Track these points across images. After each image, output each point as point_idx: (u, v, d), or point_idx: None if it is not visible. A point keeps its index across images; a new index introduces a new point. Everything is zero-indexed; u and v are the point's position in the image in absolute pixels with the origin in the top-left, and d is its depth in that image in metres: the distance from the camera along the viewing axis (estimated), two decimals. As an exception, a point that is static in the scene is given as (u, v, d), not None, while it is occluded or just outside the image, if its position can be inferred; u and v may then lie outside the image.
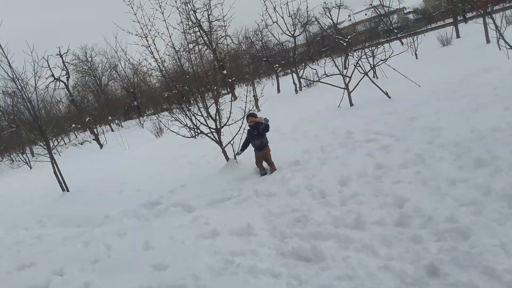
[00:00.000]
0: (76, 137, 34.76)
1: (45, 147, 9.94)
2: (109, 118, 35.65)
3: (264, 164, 7.16)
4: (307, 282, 3.21)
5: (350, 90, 11.62)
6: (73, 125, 31.35)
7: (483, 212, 3.61)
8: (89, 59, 42.98)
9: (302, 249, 3.77)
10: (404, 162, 5.45)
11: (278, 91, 25.17)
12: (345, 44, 24.52)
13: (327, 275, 3.25)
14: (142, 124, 28.09)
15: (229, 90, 27.09)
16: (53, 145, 10.59)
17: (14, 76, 9.57)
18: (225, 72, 26.91)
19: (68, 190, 9.90)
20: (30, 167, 21.44)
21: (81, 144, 27.85)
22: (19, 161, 23.32)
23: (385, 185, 4.89)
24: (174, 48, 8.49)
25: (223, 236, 4.65)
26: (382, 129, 7.64)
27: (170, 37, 8.41)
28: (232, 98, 18.79)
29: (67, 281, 4.38)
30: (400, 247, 3.45)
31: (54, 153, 10.19)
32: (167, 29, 8.39)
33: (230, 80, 26.35)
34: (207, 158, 9.85)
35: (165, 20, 8.38)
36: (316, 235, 4.04)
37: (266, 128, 6.89)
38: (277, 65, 28.02)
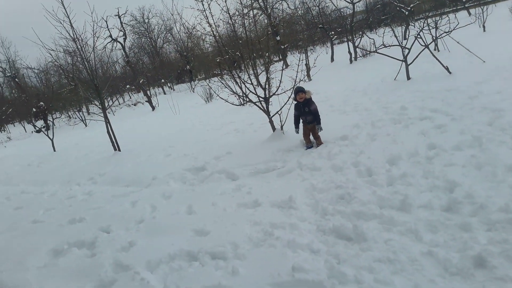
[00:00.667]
0: (130, 98, 36.04)
1: (100, 106, 10.35)
2: (162, 80, 36.48)
3: (311, 137, 7.02)
4: (346, 262, 3.15)
5: (409, 63, 11.01)
6: (127, 86, 32.41)
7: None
8: (146, 20, 43.79)
9: (344, 227, 3.69)
10: (459, 144, 5.12)
11: (332, 60, 24.45)
12: (407, 13, 23.16)
13: (367, 256, 3.17)
14: (193, 89, 28.51)
15: (280, 57, 26.70)
16: (108, 105, 10.99)
17: (75, 36, 9.92)
18: (278, 38, 26.43)
19: (119, 150, 10.32)
20: (86, 125, 22.60)
21: (134, 105, 28.83)
22: (75, 118, 24.63)
23: (436, 167, 4.64)
24: (229, 13, 8.38)
25: (264, 207, 4.66)
26: (438, 107, 7.21)
27: (225, 1, 8.30)
28: (284, 66, 18.50)
29: (113, 238, 4.60)
30: (446, 234, 3.28)
31: (108, 113, 10.60)
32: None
33: (283, 47, 25.90)
34: (254, 126, 9.84)
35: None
36: (359, 215, 3.93)
37: (317, 115, 6.72)
38: (332, 33, 27.08)
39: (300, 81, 7.86)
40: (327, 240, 3.62)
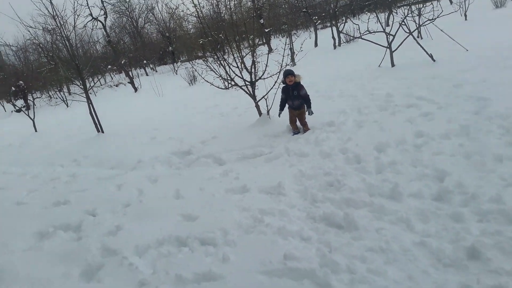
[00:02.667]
0: (112, 78, 35.23)
1: (82, 86, 10.06)
2: (144, 62, 35.75)
3: (298, 123, 6.99)
4: (337, 250, 3.14)
5: (393, 50, 11.03)
6: (109, 66, 31.65)
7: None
8: (127, -1, 42.57)
9: (334, 215, 3.68)
10: (447, 132, 5.16)
11: (316, 45, 24.34)
12: (390, -1, 23.13)
13: (359, 245, 3.16)
14: (176, 71, 28.05)
15: (264, 41, 26.44)
16: (89, 85, 10.70)
17: (54, 13, 9.55)
18: (262, 21, 26.14)
19: (103, 132, 10.09)
20: (67, 105, 22.05)
21: (116, 86, 28.23)
22: (56, 98, 23.98)
23: (424, 155, 4.67)
24: (213, -6, 8.19)
25: (252, 193, 4.62)
26: (424, 94, 7.25)
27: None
28: (268, 50, 18.33)
29: (99, 222, 4.49)
30: (438, 224, 3.29)
31: (90, 94, 10.31)
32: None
33: (266, 31, 25.63)
34: (239, 111, 9.75)
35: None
36: (349, 202, 3.93)
37: (307, 99, 6.67)
38: (316, 17, 26.89)
39: (286, 65, 7.77)
40: (318, 228, 3.61)
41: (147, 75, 33.14)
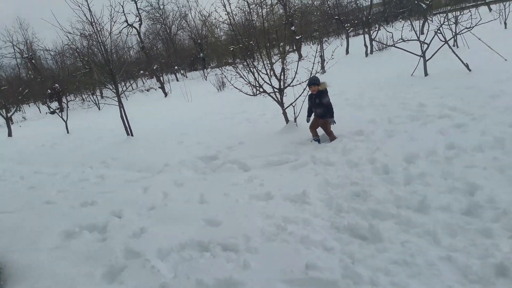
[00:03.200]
0: (144, 83, 36.07)
1: (114, 90, 10.34)
2: (175, 67, 36.42)
3: (320, 131, 6.89)
4: (360, 262, 3.06)
5: (427, 59, 10.77)
6: (141, 72, 32.42)
7: None
8: (161, 6, 43.60)
9: (359, 226, 3.60)
10: (480, 145, 4.96)
11: (347, 52, 24.12)
12: (425, 7, 22.67)
13: (383, 257, 3.08)
14: (206, 77, 28.41)
15: (295, 48, 26.42)
16: (122, 89, 10.98)
17: (92, 19, 9.89)
18: (293, 28, 26.14)
19: (132, 135, 10.33)
20: (99, 109, 22.70)
21: (147, 90, 28.86)
22: (89, 101, 24.74)
23: (456, 168, 4.50)
24: (247, 1, 8.28)
25: (276, 200, 4.59)
26: (458, 105, 7.02)
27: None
28: (298, 57, 18.27)
29: (124, 224, 4.56)
30: (466, 238, 3.16)
31: (122, 97, 10.59)
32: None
33: (297, 38, 25.62)
34: (266, 117, 9.75)
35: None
36: (375, 213, 3.84)
37: (329, 108, 6.58)
38: (348, 25, 26.67)
39: (316, 72, 7.72)
40: (342, 238, 3.53)
41: (177, 80, 33.73)
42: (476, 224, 3.32)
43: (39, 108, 30.14)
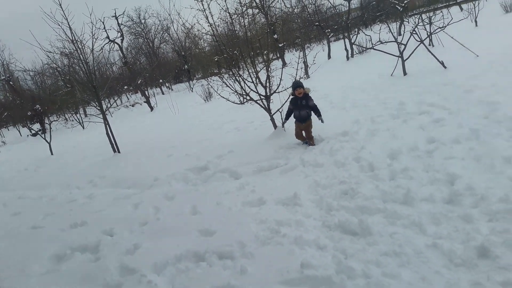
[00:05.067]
0: (128, 99, 35.95)
1: (99, 108, 10.32)
2: (160, 81, 36.44)
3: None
4: (353, 257, 3.21)
5: (405, 59, 11.06)
6: (125, 87, 32.36)
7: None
8: (142, 21, 43.75)
9: (349, 222, 3.74)
10: (458, 137, 5.19)
11: (329, 57, 24.48)
12: (401, 9, 23.19)
13: (373, 250, 3.25)
14: (192, 88, 28.50)
15: (278, 56, 26.68)
16: (106, 106, 10.96)
17: (73, 37, 9.89)
18: (275, 36, 26.40)
19: (119, 152, 10.31)
20: (83, 127, 22.54)
21: (133, 106, 28.77)
22: (72, 121, 24.51)
23: (436, 161, 4.72)
24: (229, 12, 8.43)
25: (269, 205, 4.70)
26: (435, 101, 7.28)
27: (225, 0, 8.36)
28: (282, 64, 18.49)
29: (117, 241, 4.55)
30: (449, 226, 3.36)
31: (106, 114, 10.58)
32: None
33: (280, 45, 25.91)
34: (255, 125, 9.88)
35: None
36: (363, 209, 4.00)
37: (316, 109, 6.75)
38: (328, 30, 27.09)
39: (300, 78, 7.89)
40: (333, 236, 3.67)
41: (163, 93, 33.73)
42: (457, 212, 3.54)
43: (19, 131, 29.61)
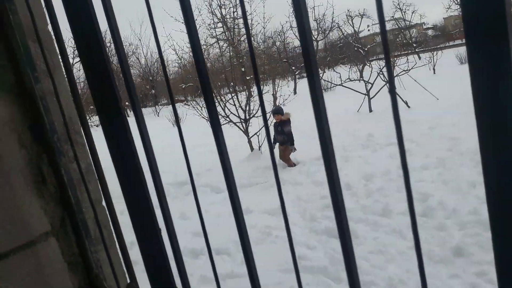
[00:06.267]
0: (90, 119, 35.19)
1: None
2: (127, 103, 36.09)
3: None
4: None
5: (371, 97, 11.98)
6: (91, 107, 31.79)
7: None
8: (108, 44, 43.53)
9: (335, 228, 4.08)
10: (426, 164, 5.80)
11: (295, 92, 25.54)
12: (363, 53, 24.89)
13: (361, 249, 3.64)
14: (158, 113, 28.56)
15: (245, 87, 27.47)
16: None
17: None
18: (243, 69, 27.26)
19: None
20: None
21: (97, 126, 28.30)
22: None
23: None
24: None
25: (256, 214, 5.03)
26: (402, 135, 7.97)
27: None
28: (247, 95, 19.10)
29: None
30: (426, 233, 3.82)
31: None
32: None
33: (247, 78, 26.75)
34: (230, 147, 10.10)
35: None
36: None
37: (290, 136, 7.27)
38: (293, 68, 28.41)
39: (279, 104, 8.44)
40: (321, 239, 4.06)
41: (128, 116, 33.35)
42: (432, 222, 4.01)
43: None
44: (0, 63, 0.95)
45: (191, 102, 8.98)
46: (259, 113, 8.64)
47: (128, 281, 1.15)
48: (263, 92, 8.88)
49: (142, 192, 1.07)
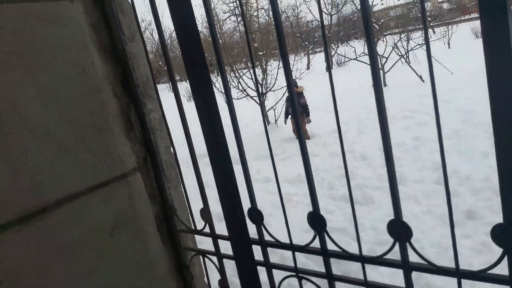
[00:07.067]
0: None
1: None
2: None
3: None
4: (361, 217, 3.81)
5: (386, 71, 12.00)
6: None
7: (515, 177, 4.16)
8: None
9: (352, 195, 4.36)
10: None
11: (308, 68, 25.48)
12: (377, 27, 24.57)
13: (377, 213, 3.88)
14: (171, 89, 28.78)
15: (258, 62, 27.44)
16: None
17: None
18: (256, 45, 27.14)
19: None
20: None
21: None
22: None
23: (423, 153, 5.43)
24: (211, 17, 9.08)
25: (269, 186, 5.27)
26: (417, 108, 8.10)
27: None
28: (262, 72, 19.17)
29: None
30: (439, 199, 4.03)
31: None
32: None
33: (260, 54, 26.68)
34: (244, 122, 10.41)
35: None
36: (363, 187, 4.64)
37: (306, 108, 7.43)
38: (306, 43, 28.21)
39: (296, 78, 8.57)
40: (339, 205, 4.29)
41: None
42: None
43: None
44: (99, 28, 1.16)
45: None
46: (275, 87, 8.79)
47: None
48: (275, 67, 9.02)
49: (220, 132, 1.28)
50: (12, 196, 0.94)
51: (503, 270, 0.84)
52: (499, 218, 2.62)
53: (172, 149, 1.50)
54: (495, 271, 0.85)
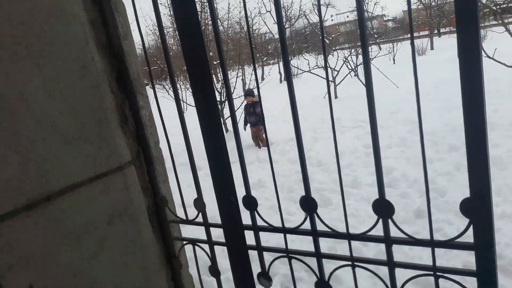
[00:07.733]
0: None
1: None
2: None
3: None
4: (321, 216, 3.99)
5: (337, 83, 12.52)
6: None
7: (454, 179, 4.56)
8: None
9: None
10: (389, 144, 6.35)
11: (262, 79, 25.90)
12: (328, 42, 25.55)
13: (336, 213, 4.11)
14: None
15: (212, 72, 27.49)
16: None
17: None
18: (211, 54, 27.22)
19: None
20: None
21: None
22: None
23: (374, 159, 5.75)
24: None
25: (238, 188, 5.34)
26: (367, 119, 8.22)
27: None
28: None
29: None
30: (391, 200, 4.26)
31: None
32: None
33: (214, 63, 26.78)
34: (199, 131, 10.44)
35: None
36: (320, 190, 4.85)
37: (261, 117, 7.61)
38: (260, 54, 28.69)
39: (253, 88, 8.75)
40: (299, 207, 4.44)
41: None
42: (396, 192, 4.52)
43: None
44: (98, 25, 1.22)
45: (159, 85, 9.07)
46: (234, 95, 8.91)
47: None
48: (230, 78, 9.17)
49: (217, 122, 1.36)
50: (21, 183, 0.97)
51: (469, 238, 1.00)
52: (443, 216, 2.90)
53: (167, 145, 1.55)
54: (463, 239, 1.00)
